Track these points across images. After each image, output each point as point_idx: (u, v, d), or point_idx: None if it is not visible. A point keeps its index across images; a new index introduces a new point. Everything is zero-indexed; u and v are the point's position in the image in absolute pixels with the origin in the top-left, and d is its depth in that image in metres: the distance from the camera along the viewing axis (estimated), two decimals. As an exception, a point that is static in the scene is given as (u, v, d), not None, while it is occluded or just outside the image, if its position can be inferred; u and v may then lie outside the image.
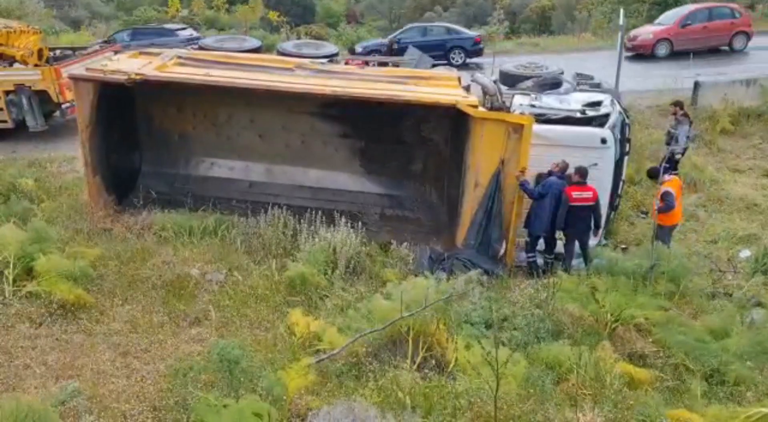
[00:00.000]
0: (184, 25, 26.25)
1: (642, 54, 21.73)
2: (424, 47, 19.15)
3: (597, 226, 9.38)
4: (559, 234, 9.30)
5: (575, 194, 9.02)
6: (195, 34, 24.98)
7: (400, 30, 25.23)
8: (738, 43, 21.68)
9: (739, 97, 15.55)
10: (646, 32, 22.48)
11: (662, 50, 21.52)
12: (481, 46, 23.23)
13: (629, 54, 21.71)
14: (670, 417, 5.67)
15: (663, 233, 9.44)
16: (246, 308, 7.84)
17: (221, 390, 5.63)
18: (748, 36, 21.79)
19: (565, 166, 9.11)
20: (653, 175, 9.94)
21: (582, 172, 9.06)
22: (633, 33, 22.83)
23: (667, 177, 9.68)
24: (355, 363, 6.52)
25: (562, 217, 9.05)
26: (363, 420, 5.18)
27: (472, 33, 24.26)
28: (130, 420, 5.82)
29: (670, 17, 22.76)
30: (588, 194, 9.08)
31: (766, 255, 9.31)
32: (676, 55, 20.97)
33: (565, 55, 22.21)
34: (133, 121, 11.38)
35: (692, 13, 22.25)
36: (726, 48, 21.77)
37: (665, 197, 9.29)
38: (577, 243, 9.38)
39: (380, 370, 6.30)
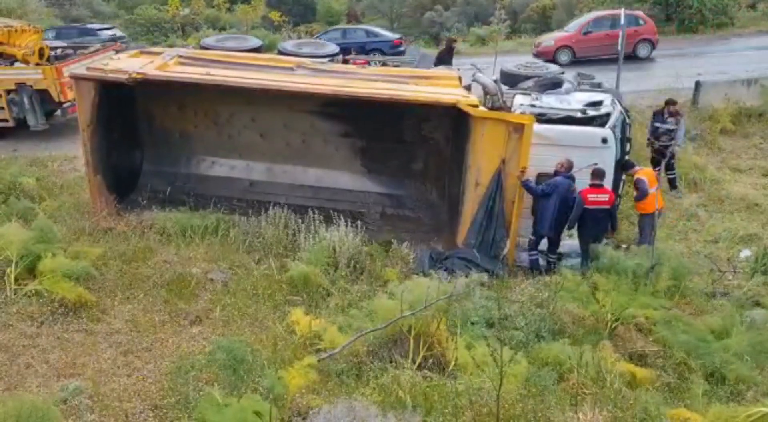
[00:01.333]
0: (109, 26, 27.45)
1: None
2: (342, 49, 18.96)
3: (613, 228, 9.42)
4: (571, 232, 9.27)
5: (591, 196, 8.96)
6: (119, 33, 26.09)
7: (321, 32, 25.36)
8: (642, 51, 21.55)
9: (741, 97, 15.54)
10: (548, 39, 22.75)
11: (564, 57, 21.48)
12: (402, 48, 23.17)
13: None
14: (670, 417, 5.68)
15: (644, 222, 9.76)
16: (247, 307, 7.86)
17: (223, 389, 5.65)
18: (652, 44, 21.71)
19: (570, 165, 9.06)
20: (625, 167, 10.04)
21: (599, 174, 9.02)
22: (538, 40, 23.17)
23: (637, 168, 10.06)
24: (356, 362, 6.53)
25: (575, 219, 9.02)
26: (364, 419, 5.18)
27: (391, 35, 24.28)
28: (131, 418, 5.84)
29: (576, 25, 22.82)
30: (604, 197, 9.02)
31: (766, 256, 9.30)
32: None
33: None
34: (134, 120, 11.40)
35: (594, 21, 22.35)
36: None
37: (638, 184, 9.60)
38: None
39: (381, 369, 6.32)
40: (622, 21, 15.21)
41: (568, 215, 9.10)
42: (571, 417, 5.57)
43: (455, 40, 19.35)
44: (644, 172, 9.91)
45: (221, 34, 24.82)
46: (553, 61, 20.96)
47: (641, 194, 9.55)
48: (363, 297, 7.98)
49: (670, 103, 12.32)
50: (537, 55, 21.87)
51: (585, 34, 21.70)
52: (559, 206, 8.99)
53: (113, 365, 6.69)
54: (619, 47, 14.74)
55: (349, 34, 23.57)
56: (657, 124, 12.17)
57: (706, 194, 12.27)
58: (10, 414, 4.87)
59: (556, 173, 9.09)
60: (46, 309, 7.48)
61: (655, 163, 11.82)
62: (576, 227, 9.22)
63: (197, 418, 5.32)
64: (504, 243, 9.27)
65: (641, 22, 21.92)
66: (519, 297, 8.07)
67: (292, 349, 6.80)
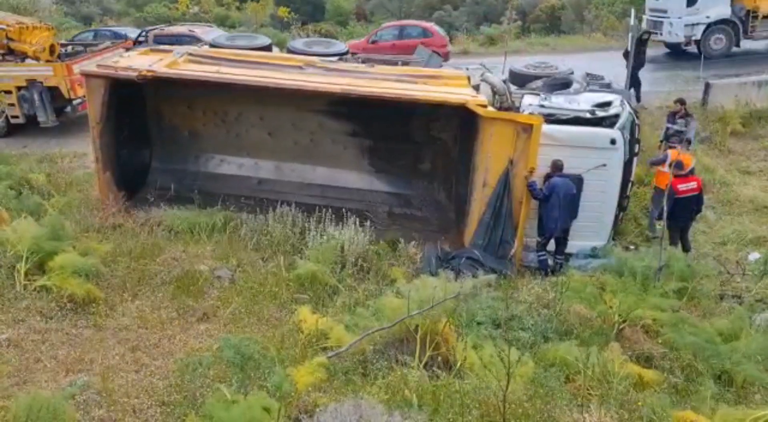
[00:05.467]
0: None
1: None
2: None
3: (698, 211, 9.94)
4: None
5: (681, 186, 9.51)
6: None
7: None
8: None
9: (751, 99, 15.43)
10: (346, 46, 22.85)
11: None
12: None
13: None
14: (677, 419, 5.66)
15: (658, 196, 10.15)
16: (254, 305, 7.88)
17: (230, 386, 5.67)
18: (440, 56, 21.07)
19: (556, 165, 9.06)
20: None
21: (681, 165, 9.57)
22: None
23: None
24: (363, 360, 6.54)
25: (668, 211, 9.12)
26: (370, 418, 5.19)
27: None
28: (139, 414, 5.87)
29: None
30: (693, 184, 9.59)
31: (774, 258, 9.27)
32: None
33: (575, 55, 22.12)
34: (143, 118, 11.46)
35: (383, 30, 22.41)
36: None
37: (662, 154, 10.58)
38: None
39: (387, 368, 6.33)
40: (632, 21, 15.11)
41: (574, 213, 9.11)
42: (578, 418, 5.57)
43: (649, 32, 17.43)
44: (684, 157, 10.13)
45: (230, 32, 24.82)
46: None
47: (657, 160, 10.45)
48: (370, 296, 8.00)
49: (681, 102, 12.22)
50: None
51: (372, 42, 21.57)
52: (563, 206, 8.99)
53: (121, 361, 6.72)
54: (630, 47, 14.67)
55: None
56: (668, 125, 12.09)
57: (715, 196, 12.20)
58: (23, 408, 4.91)
59: (550, 176, 9.09)
60: (55, 305, 7.53)
61: None
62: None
63: (205, 415, 5.34)
64: (511, 244, 9.26)
65: (429, 34, 21.80)
66: (526, 297, 8.06)
67: (299, 347, 6.82)
